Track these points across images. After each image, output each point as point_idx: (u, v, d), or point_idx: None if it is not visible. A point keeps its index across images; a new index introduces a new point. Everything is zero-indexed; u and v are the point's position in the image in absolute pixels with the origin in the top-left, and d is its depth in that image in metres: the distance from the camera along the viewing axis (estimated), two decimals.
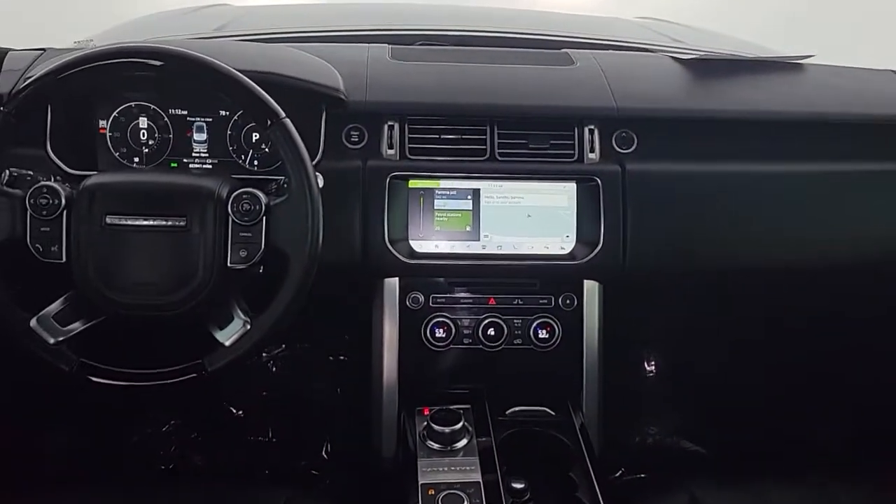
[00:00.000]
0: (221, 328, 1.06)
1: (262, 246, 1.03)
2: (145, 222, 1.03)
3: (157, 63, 1.02)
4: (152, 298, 1.04)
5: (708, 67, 1.41)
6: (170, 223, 1.03)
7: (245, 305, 1.08)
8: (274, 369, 1.80)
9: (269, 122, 1.04)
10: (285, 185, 1.06)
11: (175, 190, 1.05)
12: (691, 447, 1.74)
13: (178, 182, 1.07)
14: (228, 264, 1.02)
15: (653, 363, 1.81)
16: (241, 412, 1.75)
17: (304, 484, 1.60)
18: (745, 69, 1.44)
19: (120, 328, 1.05)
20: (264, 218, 1.03)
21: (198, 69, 1.04)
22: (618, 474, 1.58)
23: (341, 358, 1.81)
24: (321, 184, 1.09)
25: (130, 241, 1.03)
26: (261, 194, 1.05)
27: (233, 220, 1.04)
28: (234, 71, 1.05)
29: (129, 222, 1.03)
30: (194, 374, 1.03)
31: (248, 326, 1.06)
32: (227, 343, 1.05)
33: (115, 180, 1.07)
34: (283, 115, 1.03)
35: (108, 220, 1.03)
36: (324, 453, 1.70)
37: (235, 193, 1.05)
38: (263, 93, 1.05)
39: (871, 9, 2.72)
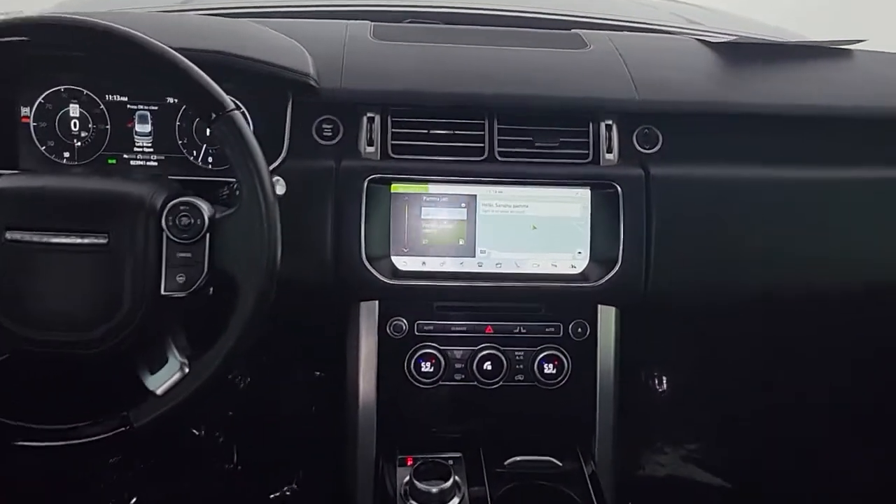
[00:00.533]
0: (153, 372, 0.90)
1: (206, 269, 0.88)
2: (56, 240, 0.86)
3: (75, 39, 0.85)
4: (65, 334, 0.87)
5: (743, 53, 1.27)
6: (87, 241, 0.86)
7: (184, 343, 0.93)
8: (241, 385, 1.67)
9: (212, 115, 0.87)
10: (237, 193, 0.89)
11: (94, 198, 0.88)
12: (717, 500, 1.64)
13: (98, 189, 0.89)
14: (162, 292, 0.88)
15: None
16: (202, 433, 1.62)
17: None
18: (786, 55, 1.29)
19: (24, 369, 0.91)
20: (208, 234, 0.88)
21: (123, 47, 0.86)
22: None
23: (317, 373, 1.68)
24: (281, 191, 0.95)
25: (37, 262, 0.86)
26: (203, 205, 0.89)
27: (168, 238, 0.88)
28: (168, 50, 0.86)
29: (36, 239, 0.85)
30: (117, 431, 0.87)
31: (187, 370, 0.90)
32: (159, 391, 0.89)
33: (17, 185, 0.90)
34: (230, 105, 0.87)
35: (9, 235, 0.86)
36: (294, 483, 1.59)
37: (172, 204, 0.89)
38: (206, 78, 0.87)
39: None
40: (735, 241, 1.13)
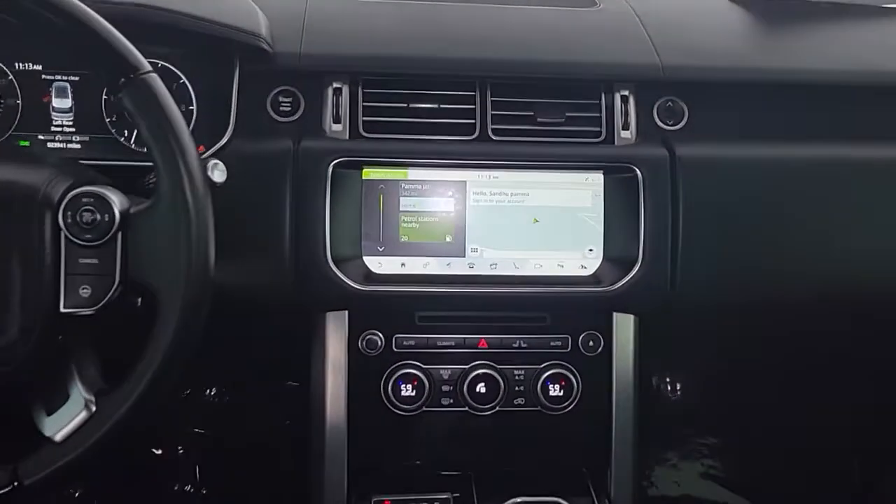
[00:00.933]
0: (50, 412, 0.75)
1: (117, 280, 0.75)
2: None
3: None
4: None
5: (779, 12, 1.20)
6: None
7: (92, 375, 0.78)
8: (211, 399, 1.60)
9: (121, 80, 0.73)
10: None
11: None
12: None
13: None
14: (62, 309, 0.74)
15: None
16: (160, 452, 1.54)
17: None
18: (828, 15, 1.22)
19: None
20: (119, 234, 0.74)
21: None
22: None
23: (290, 383, 1.57)
24: (220, 178, 0.82)
25: None
26: (113, 197, 0.74)
27: (68, 238, 0.74)
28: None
29: None
30: (4, 490, 0.71)
31: (93, 409, 0.74)
32: (58, 437, 0.73)
33: None
34: (144, 66, 0.74)
35: None
36: None
37: (72, 195, 0.74)
38: (115, 33, 0.74)
39: None
40: (778, 233, 1.04)
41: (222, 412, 1.57)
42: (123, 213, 0.74)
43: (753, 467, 1.60)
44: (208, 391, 1.57)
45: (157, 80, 0.73)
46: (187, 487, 1.52)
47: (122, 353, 0.77)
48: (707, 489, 1.60)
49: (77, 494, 1.48)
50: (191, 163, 0.72)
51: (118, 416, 0.72)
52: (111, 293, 0.74)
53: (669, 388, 1.65)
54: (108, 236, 0.73)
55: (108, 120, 1.00)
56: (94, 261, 0.74)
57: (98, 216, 0.73)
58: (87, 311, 0.74)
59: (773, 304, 1.07)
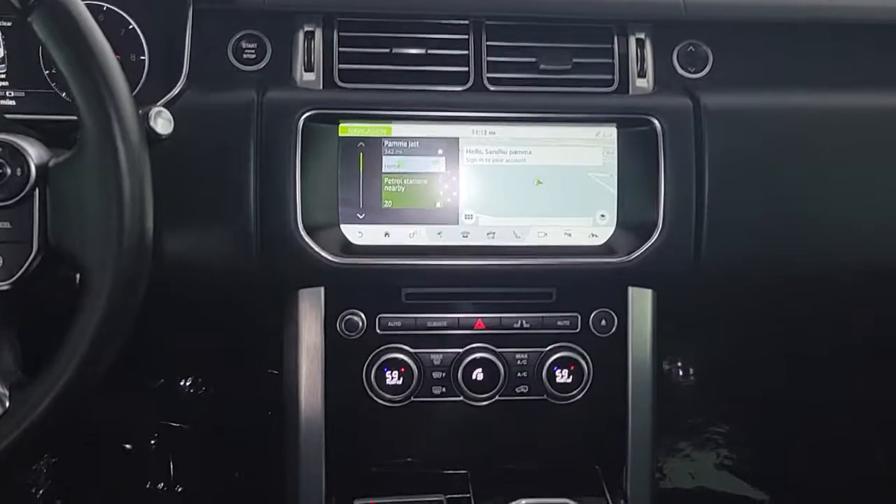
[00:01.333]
0: None
1: (35, 247, 0.67)
2: None
3: None
4: None
5: None
6: None
7: (8, 363, 0.70)
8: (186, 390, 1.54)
9: (29, 1, 0.63)
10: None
11: None
12: None
13: None
14: None
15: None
16: (130, 447, 1.49)
17: None
18: None
19: None
20: (36, 191, 0.65)
21: None
22: None
23: (272, 372, 1.49)
24: (166, 129, 0.74)
25: None
26: (29, 148, 0.65)
27: None
28: None
29: None
30: None
31: (8, 405, 0.64)
32: None
33: None
34: None
35: None
36: None
37: None
38: None
39: None
40: (818, 192, 0.96)
41: (198, 404, 1.51)
42: (41, 167, 0.64)
43: (772, 458, 1.54)
44: (182, 381, 1.51)
45: (79, 7, 0.63)
46: (160, 485, 1.47)
47: (47, 337, 0.67)
48: (723, 480, 1.55)
49: (40, 493, 1.44)
50: (121, 104, 0.62)
51: (37, 412, 0.62)
52: (28, 263, 0.65)
53: (682, 373, 1.59)
54: (23, 194, 0.65)
55: (46, 72, 0.93)
56: (6, 224, 0.66)
57: (9, 170, 0.63)
58: (3, 287, 0.65)
59: (811, 276, 0.99)
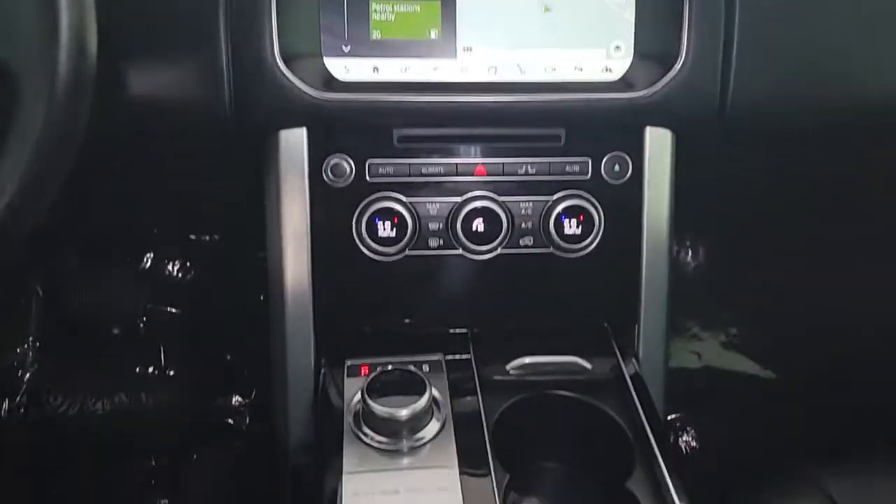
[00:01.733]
0: None
1: None
2: None
3: None
4: None
5: None
6: None
7: None
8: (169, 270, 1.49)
9: None
10: None
11: None
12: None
13: None
14: None
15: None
16: (118, 332, 1.45)
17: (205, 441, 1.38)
18: None
19: None
20: None
21: None
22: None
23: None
24: None
25: None
26: None
27: None
28: None
29: None
30: None
31: None
32: None
33: None
34: None
35: None
36: (239, 395, 1.44)
37: None
38: None
39: None
40: (850, 28, 0.85)
41: (186, 287, 1.46)
42: None
43: (780, 339, 1.50)
44: (170, 265, 1.47)
45: None
46: (150, 369, 1.43)
47: None
48: (730, 360, 1.53)
49: (27, 377, 1.41)
50: None
51: None
52: None
53: (690, 252, 1.54)
54: None
55: None
56: None
57: None
58: None
59: (842, 121, 0.90)
